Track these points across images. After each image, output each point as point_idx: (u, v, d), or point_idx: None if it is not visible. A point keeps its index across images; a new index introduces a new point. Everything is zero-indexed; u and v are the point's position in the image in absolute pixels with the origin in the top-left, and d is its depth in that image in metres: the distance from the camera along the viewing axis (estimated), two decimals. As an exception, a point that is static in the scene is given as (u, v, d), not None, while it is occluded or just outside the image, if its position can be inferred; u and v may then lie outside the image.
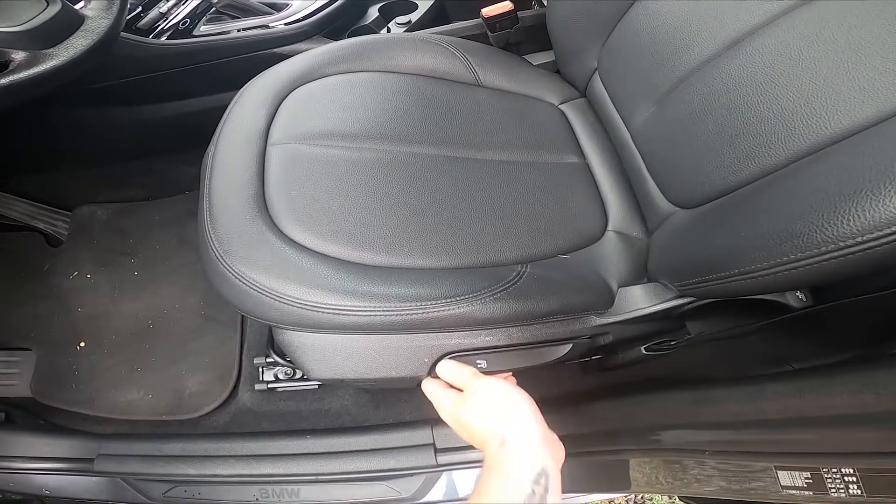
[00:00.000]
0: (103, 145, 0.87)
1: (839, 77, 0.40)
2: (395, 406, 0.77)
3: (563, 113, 0.72)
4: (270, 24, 0.77)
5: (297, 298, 0.48)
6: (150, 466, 0.73)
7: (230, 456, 0.73)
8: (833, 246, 0.34)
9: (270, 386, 0.76)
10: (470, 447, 0.69)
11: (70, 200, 0.94)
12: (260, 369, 0.76)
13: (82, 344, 0.86)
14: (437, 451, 0.69)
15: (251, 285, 0.49)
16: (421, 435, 0.71)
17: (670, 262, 0.51)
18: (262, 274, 0.49)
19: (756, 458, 0.38)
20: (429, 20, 0.85)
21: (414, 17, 0.84)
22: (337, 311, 0.48)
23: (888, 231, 0.32)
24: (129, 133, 0.85)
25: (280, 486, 0.72)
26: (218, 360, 0.82)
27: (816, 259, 0.35)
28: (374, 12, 0.86)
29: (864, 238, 0.32)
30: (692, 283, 0.46)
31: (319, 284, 0.48)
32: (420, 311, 0.48)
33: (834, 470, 0.36)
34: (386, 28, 0.85)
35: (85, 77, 0.74)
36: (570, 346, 0.54)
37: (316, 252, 0.51)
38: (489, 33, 0.76)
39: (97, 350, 0.86)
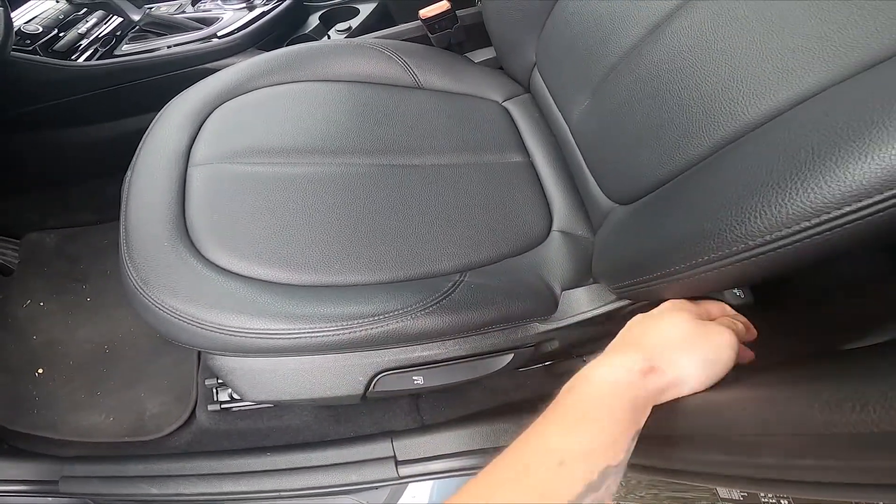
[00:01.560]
0: (43, 170, 0.86)
1: (754, 58, 0.38)
2: (356, 419, 0.76)
3: (506, 110, 0.70)
4: (202, 39, 0.74)
5: (220, 325, 0.46)
6: (113, 487, 0.72)
7: (192, 475, 0.72)
8: (742, 245, 0.32)
9: (224, 406, 0.74)
10: (432, 458, 0.68)
11: (17, 228, 0.92)
12: (214, 390, 0.75)
13: (40, 371, 0.85)
14: (398, 463, 0.68)
15: (172, 314, 0.47)
16: (381, 448, 0.69)
17: (606, 263, 0.50)
18: (182, 302, 0.47)
19: (693, 477, 0.37)
20: (372, 25, 0.83)
21: (354, 22, 0.81)
22: (261, 336, 0.46)
23: (796, 228, 0.30)
24: (68, 157, 0.83)
25: (244, 503, 0.72)
26: (176, 382, 0.81)
27: (730, 260, 0.33)
28: (314, 20, 0.83)
29: (773, 237, 0.31)
30: (623, 286, 0.45)
31: (241, 309, 0.46)
32: (347, 331, 0.46)
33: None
34: (326, 36, 0.83)
35: (5, 105, 0.73)
36: (512, 355, 0.52)
37: (240, 275, 0.49)
38: (429, 35, 0.74)
39: (56, 376, 0.84)
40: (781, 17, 0.37)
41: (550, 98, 0.64)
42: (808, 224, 0.29)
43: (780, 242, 0.31)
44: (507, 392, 0.73)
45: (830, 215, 0.28)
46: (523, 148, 0.66)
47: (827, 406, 0.28)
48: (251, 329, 0.46)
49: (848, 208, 0.28)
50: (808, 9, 0.35)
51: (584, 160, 0.58)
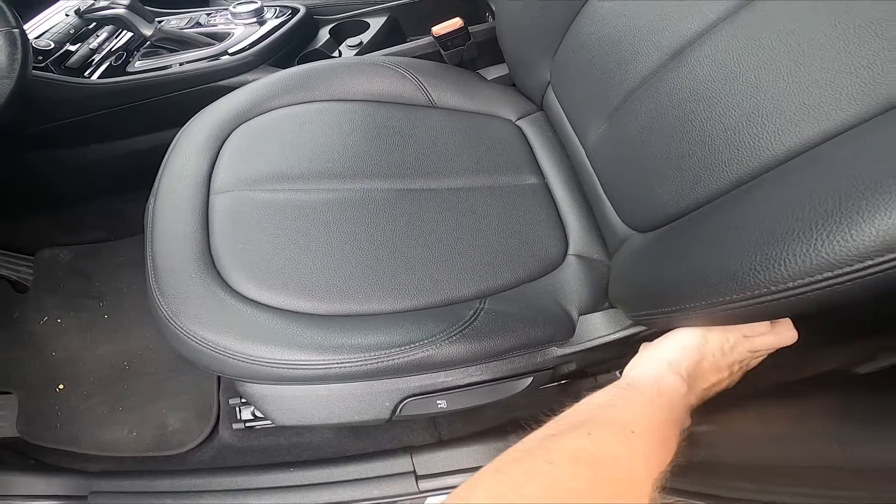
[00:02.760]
0: (55, 188, 0.86)
1: (780, 92, 0.37)
2: (375, 435, 0.77)
3: (520, 129, 0.71)
4: (213, 56, 0.74)
5: (250, 356, 0.47)
6: (142, 502, 0.74)
7: (218, 490, 0.74)
8: (766, 290, 0.33)
9: (248, 425, 0.76)
10: (451, 472, 0.70)
11: (30, 245, 0.92)
12: (237, 409, 0.76)
13: (61, 386, 0.87)
14: (417, 477, 0.70)
15: (203, 344, 0.48)
16: (401, 463, 0.71)
17: (623, 289, 0.51)
18: (212, 332, 0.48)
19: (704, 499, 0.38)
20: (381, 39, 0.83)
21: (365, 37, 0.81)
22: (291, 366, 0.47)
23: (819, 277, 0.31)
24: (80, 174, 0.84)
25: (268, 517, 0.73)
26: (197, 399, 0.82)
27: (752, 301, 0.34)
28: (324, 35, 0.83)
29: (797, 283, 0.32)
30: (642, 314, 0.46)
31: (270, 340, 0.48)
32: (375, 361, 0.48)
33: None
34: (338, 51, 0.83)
35: (21, 123, 0.73)
36: (532, 378, 0.53)
37: (267, 306, 0.50)
38: (442, 52, 0.74)
39: (76, 391, 0.86)
40: (808, 50, 0.36)
41: (565, 118, 0.65)
42: (830, 274, 0.30)
43: (804, 289, 0.32)
44: (522, 408, 0.74)
45: (854, 267, 0.29)
46: (538, 169, 0.66)
47: (847, 445, 0.30)
48: (281, 360, 0.47)
49: (870, 262, 0.28)
50: (835, 43, 0.35)
51: (601, 185, 0.58)
